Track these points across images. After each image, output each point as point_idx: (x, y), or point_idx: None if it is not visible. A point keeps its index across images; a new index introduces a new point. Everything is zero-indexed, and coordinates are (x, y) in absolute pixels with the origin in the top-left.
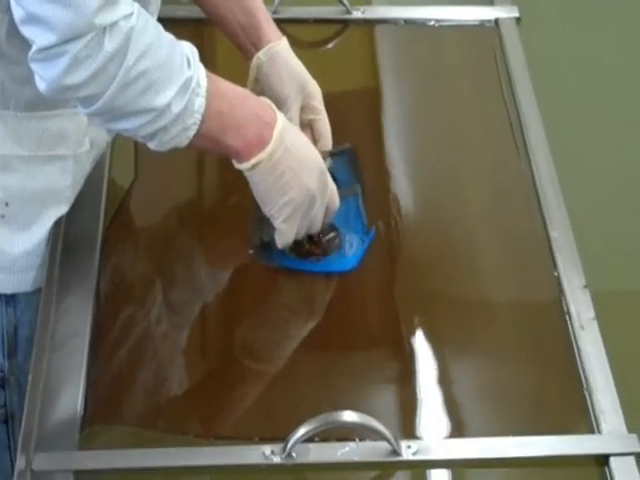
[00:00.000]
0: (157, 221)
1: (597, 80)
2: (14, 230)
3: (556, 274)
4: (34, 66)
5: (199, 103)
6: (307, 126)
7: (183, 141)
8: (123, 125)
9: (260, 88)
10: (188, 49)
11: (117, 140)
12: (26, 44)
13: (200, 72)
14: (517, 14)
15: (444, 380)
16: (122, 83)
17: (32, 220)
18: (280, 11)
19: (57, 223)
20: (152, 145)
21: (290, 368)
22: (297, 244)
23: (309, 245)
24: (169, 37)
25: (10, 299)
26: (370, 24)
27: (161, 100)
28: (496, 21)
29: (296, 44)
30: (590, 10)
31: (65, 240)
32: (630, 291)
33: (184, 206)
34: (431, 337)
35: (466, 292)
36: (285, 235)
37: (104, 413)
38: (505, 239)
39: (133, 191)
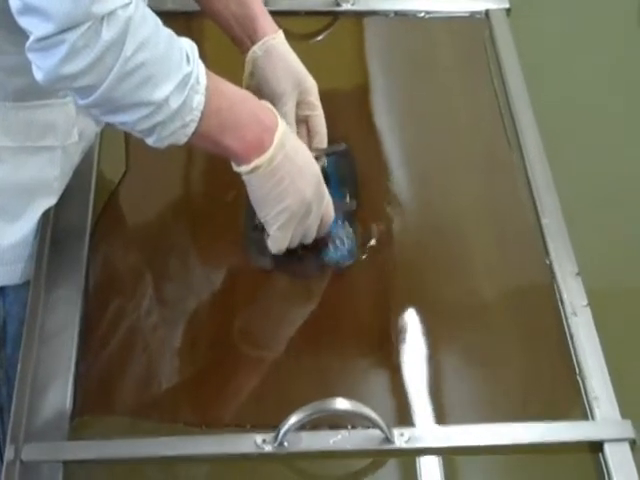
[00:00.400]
0: (147, 214)
1: (588, 71)
2: (2, 222)
3: (548, 262)
4: (31, 56)
5: (198, 100)
6: (303, 122)
7: (181, 138)
8: (120, 118)
9: (256, 82)
10: (188, 45)
11: (106, 131)
12: (14, 34)
13: (200, 69)
14: (507, 5)
15: (435, 367)
16: (119, 74)
17: (20, 212)
18: (270, 3)
19: (45, 215)
20: (150, 141)
21: (282, 356)
22: (289, 251)
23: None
24: (168, 32)
25: None
26: (360, 16)
27: (159, 94)
28: (486, 12)
29: (286, 37)
30: (580, 1)
31: (54, 232)
32: (623, 278)
33: (175, 199)
34: (422, 325)
35: (457, 279)
36: (279, 242)
37: (94, 403)
38: (497, 227)
39: (123, 183)
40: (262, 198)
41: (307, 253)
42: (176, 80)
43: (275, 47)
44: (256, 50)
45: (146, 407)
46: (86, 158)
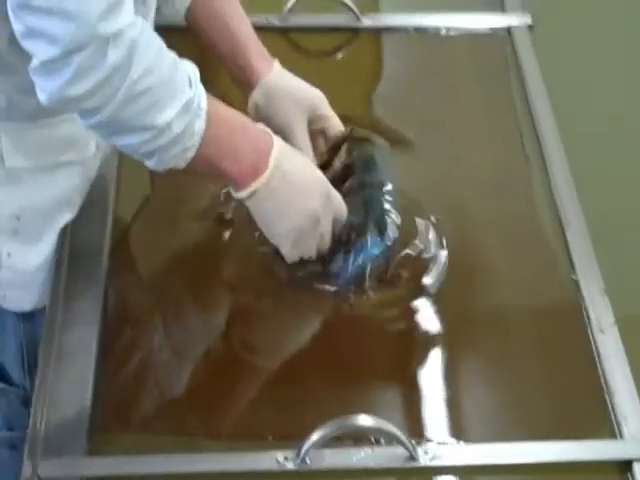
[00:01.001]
0: (168, 232)
1: (611, 85)
2: (26, 244)
3: (575, 278)
4: (35, 78)
5: (199, 125)
6: (320, 134)
7: (181, 163)
8: (122, 141)
9: (263, 121)
10: (190, 69)
11: None
12: (28, 55)
13: (201, 93)
14: (530, 21)
15: (461, 384)
16: (125, 97)
17: (42, 231)
18: (288, 19)
19: (63, 231)
20: (150, 164)
21: (302, 372)
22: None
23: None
24: (172, 55)
25: (28, 316)
26: (380, 32)
27: (162, 118)
28: (508, 29)
29: (305, 53)
30: (605, 16)
31: (72, 248)
32: None
33: (195, 216)
34: (447, 341)
35: (483, 296)
36: (293, 258)
37: (112, 419)
38: (520, 242)
39: (145, 203)
40: (266, 221)
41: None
42: (179, 105)
43: (274, 86)
44: (257, 94)
45: (165, 423)
46: (104, 173)
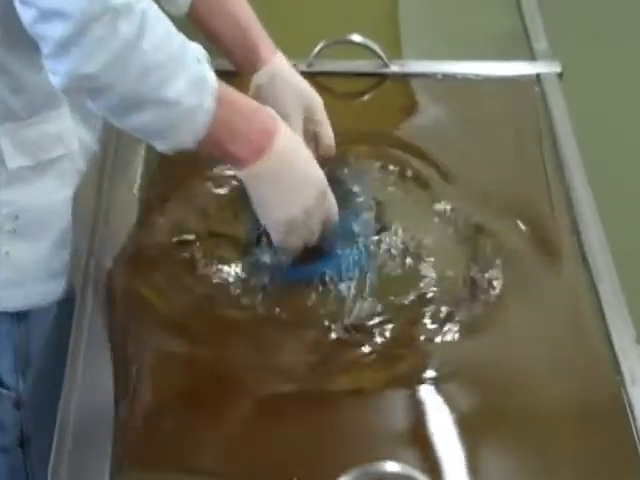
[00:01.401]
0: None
1: None
2: (25, 242)
3: (605, 328)
4: (49, 63)
5: (210, 102)
6: (311, 139)
7: (190, 142)
8: (134, 120)
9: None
10: (198, 49)
11: None
12: (19, 52)
13: (211, 73)
14: (559, 69)
15: (489, 435)
16: (138, 71)
17: (40, 229)
18: (315, 64)
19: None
20: (160, 145)
21: (327, 417)
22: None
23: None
24: (180, 34)
25: (22, 316)
26: (408, 77)
27: (174, 91)
28: (538, 76)
29: (331, 95)
30: (634, 64)
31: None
32: None
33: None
34: (471, 399)
35: (512, 348)
36: (281, 244)
37: (134, 457)
38: (553, 293)
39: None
40: (263, 205)
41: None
42: (190, 78)
43: (279, 72)
44: (261, 75)
45: (187, 462)
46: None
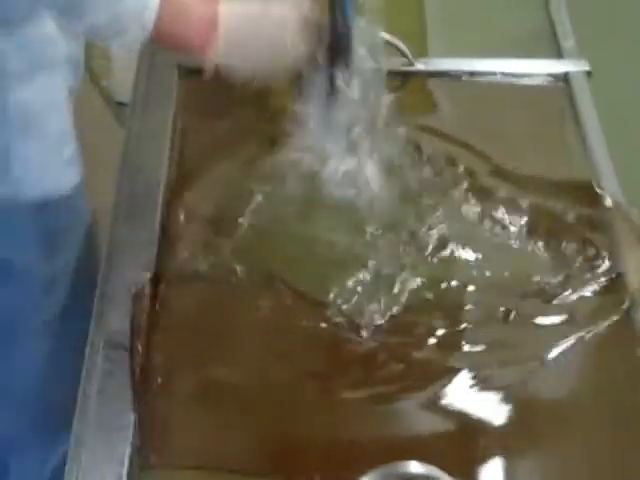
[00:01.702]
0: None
1: None
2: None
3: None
4: None
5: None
6: None
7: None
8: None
9: None
10: None
11: None
12: None
13: None
14: (588, 68)
15: (516, 438)
16: None
17: (46, 125)
18: None
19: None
20: (116, 41)
21: (350, 417)
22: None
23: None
24: None
25: (42, 206)
26: (433, 76)
27: None
28: (566, 75)
29: None
30: None
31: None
32: None
33: None
34: (502, 403)
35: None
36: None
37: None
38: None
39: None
40: (251, 56)
41: None
42: None
43: None
44: None
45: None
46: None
